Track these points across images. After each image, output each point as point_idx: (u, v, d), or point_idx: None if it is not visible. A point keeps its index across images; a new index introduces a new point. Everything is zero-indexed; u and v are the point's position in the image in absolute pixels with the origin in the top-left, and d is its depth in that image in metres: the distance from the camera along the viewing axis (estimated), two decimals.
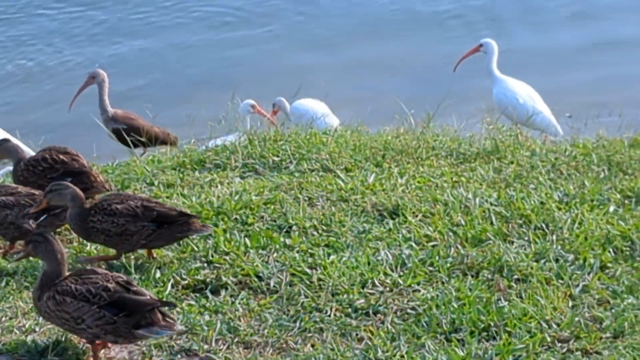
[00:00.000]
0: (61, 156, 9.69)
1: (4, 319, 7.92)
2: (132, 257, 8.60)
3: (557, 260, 8.30)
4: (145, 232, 8.41)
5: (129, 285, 7.23)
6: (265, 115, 14.33)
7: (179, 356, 7.41)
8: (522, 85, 14.15)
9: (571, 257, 8.35)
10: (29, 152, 11.13)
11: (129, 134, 13.45)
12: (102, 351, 7.44)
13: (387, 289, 8.01)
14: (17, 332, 7.72)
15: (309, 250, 8.57)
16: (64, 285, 7.19)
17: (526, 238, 8.67)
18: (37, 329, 7.73)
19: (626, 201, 9.19)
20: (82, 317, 7.12)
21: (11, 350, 7.49)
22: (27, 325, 7.78)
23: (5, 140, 10.05)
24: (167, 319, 7.20)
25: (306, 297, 7.95)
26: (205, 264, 8.42)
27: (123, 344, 7.47)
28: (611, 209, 9.06)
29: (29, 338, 7.60)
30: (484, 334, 7.44)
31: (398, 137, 10.90)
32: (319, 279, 8.12)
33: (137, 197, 8.78)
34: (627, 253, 8.41)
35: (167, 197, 9.64)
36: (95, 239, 8.62)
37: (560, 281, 8.05)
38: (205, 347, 7.45)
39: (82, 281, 7.20)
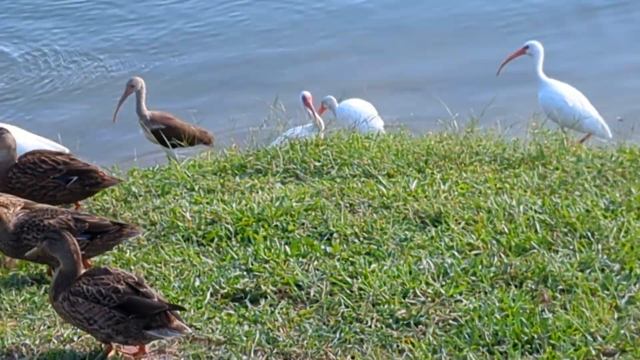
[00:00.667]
0: (59, 157, 9.73)
1: (42, 327, 7.94)
2: (172, 265, 8.54)
3: (602, 270, 8.19)
4: (80, 245, 8.04)
5: (139, 286, 7.29)
6: (313, 111, 14.25)
7: None
8: (568, 88, 13.96)
9: (617, 266, 8.22)
10: None
11: (167, 134, 13.59)
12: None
13: (429, 299, 7.92)
14: (55, 341, 7.71)
15: (350, 259, 8.50)
16: (77, 286, 7.31)
17: (571, 247, 8.54)
18: (75, 339, 7.72)
19: None
20: (93, 317, 7.23)
21: None
22: (65, 335, 7.77)
23: (6, 131, 9.82)
24: (178, 321, 7.28)
25: (346, 307, 7.88)
26: (245, 272, 8.36)
27: (134, 344, 7.50)
28: None
29: (67, 347, 7.59)
30: (527, 346, 7.35)
31: (441, 142, 10.82)
32: (360, 289, 8.04)
33: (65, 211, 8.76)
34: None
35: (207, 203, 9.57)
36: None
37: (606, 292, 7.91)
38: (244, 358, 7.41)
39: (94, 282, 7.33)
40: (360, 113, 14.26)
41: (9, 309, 8.18)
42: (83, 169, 9.65)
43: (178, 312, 7.38)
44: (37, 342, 7.69)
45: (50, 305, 7.91)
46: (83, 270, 7.53)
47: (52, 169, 9.56)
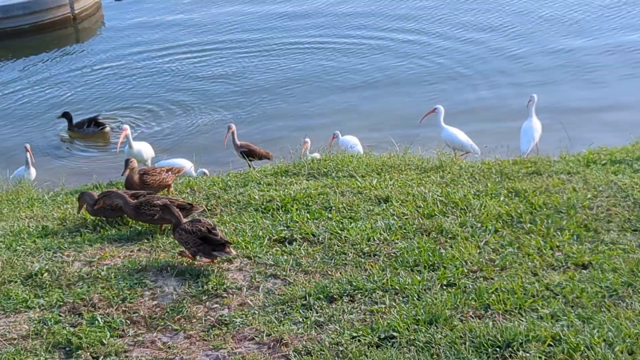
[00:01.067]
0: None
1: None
2: (248, 223, 8.55)
3: (472, 227, 8.06)
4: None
5: (213, 229, 7.53)
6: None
7: (270, 278, 7.35)
8: (455, 129, 13.89)
9: (479, 225, 8.12)
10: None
11: (248, 154, 13.83)
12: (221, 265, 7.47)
13: (381, 242, 7.89)
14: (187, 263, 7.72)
15: (341, 221, 8.45)
16: (183, 227, 7.57)
17: (455, 215, 8.43)
18: (196, 262, 7.72)
19: (510, 194, 8.99)
20: (188, 242, 7.46)
21: (181, 274, 7.48)
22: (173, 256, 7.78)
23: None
24: (228, 249, 7.48)
25: (337, 246, 7.84)
26: (285, 228, 8.35)
27: (207, 259, 7.61)
28: (501, 198, 8.87)
29: (191, 267, 7.56)
30: (431, 267, 7.30)
31: (390, 158, 10.76)
32: (345, 236, 8.02)
33: (163, 196, 8.80)
34: (509, 222, 8.21)
35: (267, 191, 9.57)
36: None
37: (473, 238, 7.83)
38: (283, 273, 7.40)
39: (191, 225, 7.55)
40: (351, 142, 14.23)
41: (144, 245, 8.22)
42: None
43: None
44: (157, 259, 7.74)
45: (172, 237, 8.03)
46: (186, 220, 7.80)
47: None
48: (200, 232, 7.49)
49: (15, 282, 7.38)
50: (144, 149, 13.91)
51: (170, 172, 9.85)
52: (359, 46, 21.15)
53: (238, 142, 13.95)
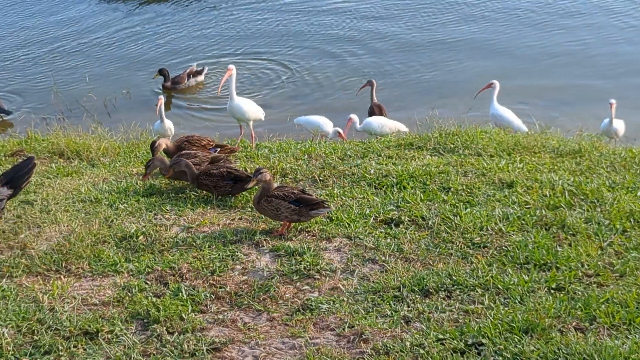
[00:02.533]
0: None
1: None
2: (357, 199, 8.49)
3: (598, 224, 7.70)
4: (227, 186, 8.59)
5: (304, 191, 7.76)
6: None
7: (367, 262, 7.26)
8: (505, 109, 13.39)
9: (607, 222, 7.74)
10: None
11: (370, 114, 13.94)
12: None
13: (494, 233, 7.66)
14: (283, 239, 7.75)
15: (455, 204, 8.28)
16: (272, 194, 7.69)
17: (583, 208, 8.10)
18: (293, 238, 7.73)
19: None
20: (280, 208, 7.62)
21: (276, 249, 7.52)
22: (288, 236, 7.79)
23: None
24: (327, 205, 7.83)
25: (446, 233, 7.68)
26: (395, 208, 8.25)
27: (303, 221, 7.75)
28: (638, 193, 8.40)
29: (287, 243, 7.58)
30: (543, 267, 7.03)
31: (525, 138, 10.41)
32: (456, 223, 7.84)
33: (223, 165, 8.81)
34: None
35: (385, 164, 9.47)
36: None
37: (597, 237, 7.48)
38: (383, 258, 7.30)
39: (280, 191, 7.70)
40: (376, 124, 13.33)
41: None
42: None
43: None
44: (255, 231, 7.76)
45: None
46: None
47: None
48: (294, 195, 7.67)
49: (109, 243, 7.63)
50: (247, 106, 12.46)
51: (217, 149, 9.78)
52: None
53: (376, 100, 13.84)
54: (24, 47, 19.79)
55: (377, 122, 13.29)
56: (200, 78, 17.62)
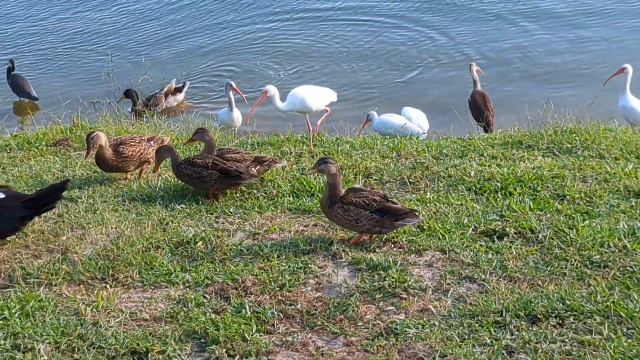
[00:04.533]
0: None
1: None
2: (453, 206, 8.45)
3: None
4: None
5: (386, 198, 7.75)
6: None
7: (464, 281, 7.23)
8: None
9: None
10: None
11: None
12: None
13: (617, 250, 7.52)
14: (364, 250, 7.74)
15: (572, 215, 8.16)
16: (347, 199, 7.70)
17: None
18: (376, 250, 7.73)
19: None
20: (360, 219, 7.63)
21: (356, 262, 7.52)
22: (370, 247, 7.79)
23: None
24: (416, 214, 7.81)
25: (559, 249, 7.58)
26: (498, 217, 8.17)
27: (386, 233, 7.78)
28: None
29: (370, 255, 7.56)
30: None
31: None
32: (572, 237, 7.72)
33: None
34: None
35: (488, 166, 9.40)
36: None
37: None
38: (482, 277, 7.24)
39: (358, 197, 7.71)
40: (393, 123, 13.18)
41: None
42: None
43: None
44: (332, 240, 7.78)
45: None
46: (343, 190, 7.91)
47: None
48: (375, 203, 7.68)
49: (163, 249, 7.73)
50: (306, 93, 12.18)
51: (151, 142, 9.62)
52: None
53: (479, 87, 13.72)
54: (80, 30, 20.20)
55: (394, 120, 13.21)
56: (180, 96, 17.04)
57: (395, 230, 7.82)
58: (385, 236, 7.84)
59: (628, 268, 7.26)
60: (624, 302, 6.74)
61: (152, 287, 7.21)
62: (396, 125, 12.98)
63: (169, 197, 8.83)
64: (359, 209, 7.68)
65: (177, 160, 8.85)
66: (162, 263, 7.49)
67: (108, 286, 7.19)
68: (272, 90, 12.00)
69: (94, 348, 6.33)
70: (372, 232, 7.78)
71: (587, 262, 7.38)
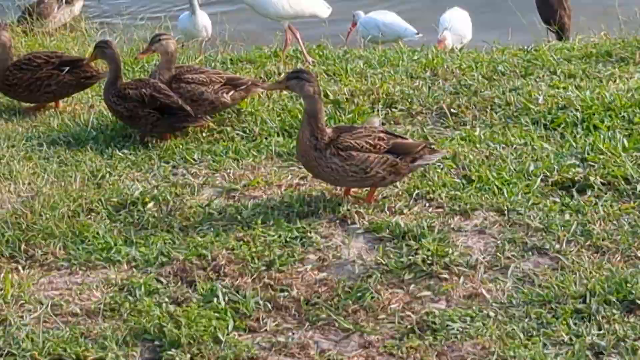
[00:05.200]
0: (51, 54, 9.88)
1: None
2: (514, 146, 8.45)
3: None
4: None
5: (389, 132, 7.88)
6: None
7: (530, 253, 7.24)
8: None
9: None
10: None
11: None
12: None
13: None
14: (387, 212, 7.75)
15: None
16: (343, 142, 7.66)
17: None
18: (404, 211, 7.74)
19: None
20: (370, 166, 7.58)
21: (376, 229, 7.52)
22: (396, 207, 7.79)
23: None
24: (434, 149, 7.86)
25: None
26: (579, 162, 8.19)
27: (402, 179, 7.86)
28: None
29: (395, 219, 7.57)
30: None
31: None
32: None
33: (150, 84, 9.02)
34: None
35: (564, 88, 9.39)
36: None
37: None
38: (557, 246, 7.24)
39: (354, 136, 7.68)
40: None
41: None
42: (74, 59, 9.80)
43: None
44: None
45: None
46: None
47: (45, 62, 9.67)
48: (383, 142, 7.71)
49: (99, 213, 7.74)
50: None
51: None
52: None
53: None
54: None
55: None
56: (76, 8, 16.52)
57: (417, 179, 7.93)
58: (417, 190, 7.86)
59: None
60: None
61: (84, 268, 7.20)
62: (381, 23, 13.27)
63: (106, 138, 8.82)
64: (366, 153, 7.66)
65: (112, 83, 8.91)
66: (97, 233, 7.49)
67: (20, 267, 7.19)
68: None
69: (1, 356, 6.32)
70: (384, 183, 7.80)
71: None
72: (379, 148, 7.64)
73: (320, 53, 10.92)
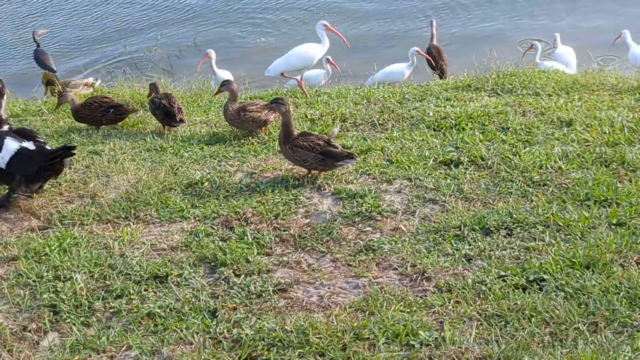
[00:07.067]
0: (105, 99, 9.65)
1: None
2: (416, 142, 8.39)
3: None
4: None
5: (329, 142, 7.60)
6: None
7: (428, 203, 7.18)
8: None
9: None
10: None
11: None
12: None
13: (554, 171, 7.52)
14: (344, 182, 7.69)
15: (515, 144, 8.14)
16: (297, 142, 7.61)
17: None
18: (354, 181, 7.67)
19: None
20: (307, 159, 7.54)
21: (338, 193, 7.46)
22: (349, 179, 7.73)
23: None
24: (353, 156, 7.62)
25: (506, 172, 7.56)
26: (454, 149, 8.12)
27: (327, 171, 7.70)
28: None
29: (349, 186, 7.51)
30: (603, 203, 6.87)
31: (584, 76, 10.17)
32: (516, 163, 7.70)
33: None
34: None
35: (444, 107, 9.33)
36: None
37: None
38: (443, 199, 7.20)
39: (305, 140, 7.60)
40: None
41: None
42: (115, 105, 9.60)
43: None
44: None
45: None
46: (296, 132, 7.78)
47: (98, 106, 9.53)
48: (319, 147, 7.57)
49: (176, 190, 7.67)
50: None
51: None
52: None
53: (435, 41, 13.57)
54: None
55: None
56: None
57: (347, 167, 7.77)
58: (360, 169, 7.80)
59: (563, 185, 7.27)
60: (561, 213, 6.76)
61: (168, 223, 7.15)
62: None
63: (178, 147, 8.75)
64: (306, 151, 7.59)
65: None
66: (175, 202, 7.42)
67: (131, 224, 7.14)
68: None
69: (122, 275, 6.30)
70: (318, 170, 7.69)
71: (529, 182, 7.38)
72: (315, 150, 7.56)
73: (302, 92, 10.82)
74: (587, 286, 5.68)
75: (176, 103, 9.28)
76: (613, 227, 6.50)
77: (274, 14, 18.51)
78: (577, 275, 5.84)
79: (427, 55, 12.99)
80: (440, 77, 12.99)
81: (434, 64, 13.39)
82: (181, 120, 9.21)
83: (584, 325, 5.34)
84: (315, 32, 11.04)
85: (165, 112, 9.20)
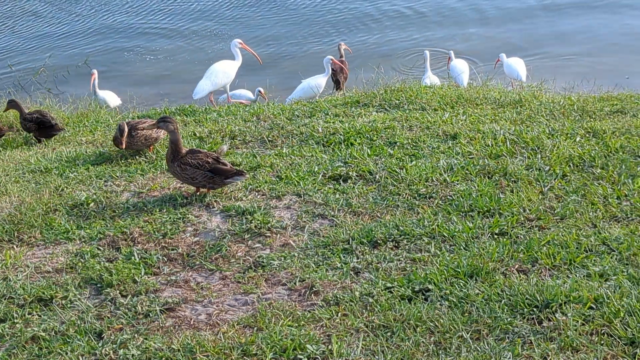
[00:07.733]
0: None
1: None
2: (305, 157, 8.46)
3: (538, 170, 7.79)
4: None
5: (218, 160, 7.60)
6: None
7: (317, 218, 7.25)
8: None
9: (547, 168, 7.81)
10: None
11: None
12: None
13: (439, 183, 7.69)
14: (233, 199, 7.70)
15: (402, 158, 8.29)
16: (185, 160, 7.57)
17: (524, 156, 8.14)
18: (243, 198, 7.70)
19: (586, 135, 8.59)
20: (195, 177, 7.51)
21: (227, 210, 7.47)
22: (238, 196, 7.74)
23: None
24: (242, 173, 7.64)
25: (393, 185, 7.70)
26: (343, 164, 8.23)
27: (217, 189, 7.69)
28: (577, 139, 8.49)
29: (238, 203, 7.52)
30: (487, 213, 7.07)
31: (468, 90, 10.45)
32: (402, 176, 7.84)
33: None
34: (580, 166, 7.86)
35: (333, 122, 9.43)
36: None
37: (537, 183, 7.55)
38: (332, 213, 7.29)
39: (194, 157, 7.57)
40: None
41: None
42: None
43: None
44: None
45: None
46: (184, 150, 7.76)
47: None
48: (208, 164, 7.55)
49: (61, 211, 7.54)
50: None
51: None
52: None
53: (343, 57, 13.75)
54: None
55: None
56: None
57: (237, 184, 7.79)
58: (250, 186, 7.82)
59: (448, 197, 7.44)
60: (446, 224, 6.91)
61: (53, 244, 7.04)
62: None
63: (63, 167, 8.61)
64: (194, 169, 7.56)
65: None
66: (60, 223, 7.31)
67: (15, 246, 7.00)
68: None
69: (5, 299, 6.17)
70: (207, 188, 7.67)
71: (416, 195, 7.52)
72: (204, 167, 7.53)
73: (191, 110, 10.79)
74: (471, 295, 5.83)
75: (49, 115, 9.64)
76: (495, 236, 6.70)
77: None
78: (461, 284, 5.99)
79: (339, 63, 13.21)
80: (337, 88, 13.24)
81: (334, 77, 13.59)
82: (61, 129, 9.51)
83: (467, 333, 5.47)
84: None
85: (40, 122, 9.54)
